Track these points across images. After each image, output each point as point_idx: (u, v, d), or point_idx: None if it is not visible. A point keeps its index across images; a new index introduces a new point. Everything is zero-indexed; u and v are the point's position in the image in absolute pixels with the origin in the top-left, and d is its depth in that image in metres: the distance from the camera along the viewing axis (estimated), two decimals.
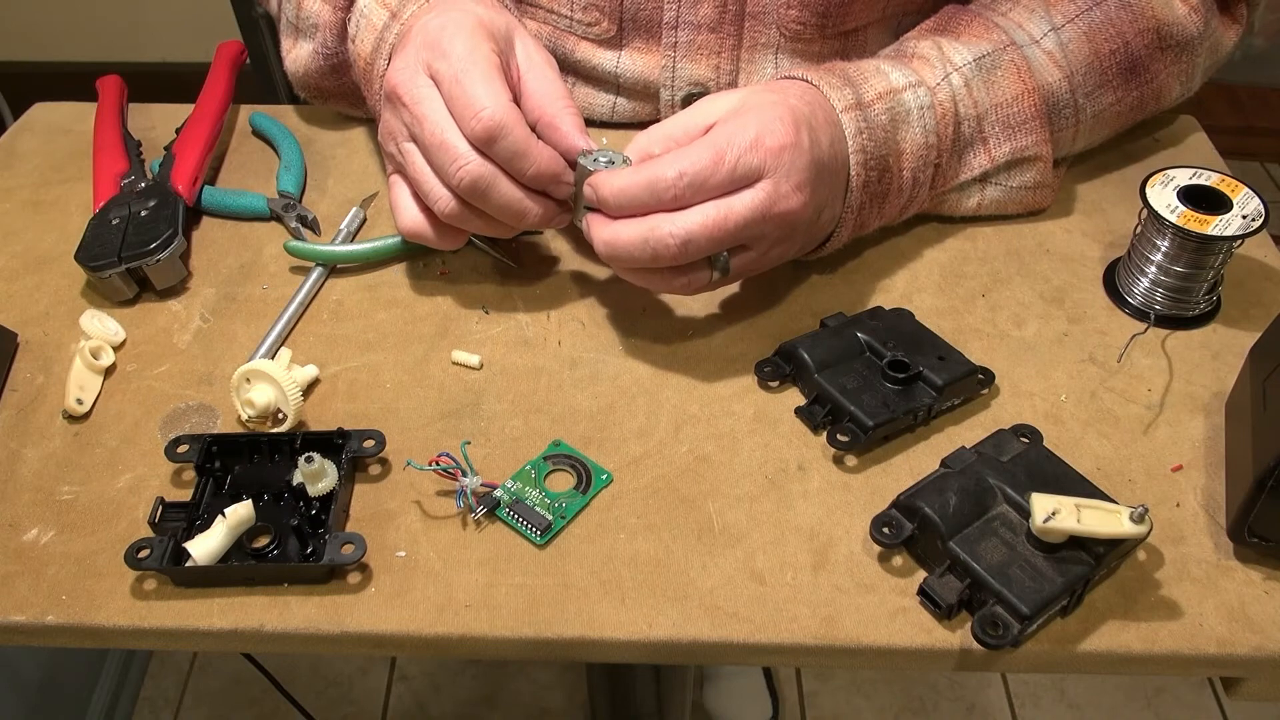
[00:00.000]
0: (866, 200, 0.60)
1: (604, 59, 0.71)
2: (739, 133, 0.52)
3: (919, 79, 0.60)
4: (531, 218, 0.57)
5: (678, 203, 0.52)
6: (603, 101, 0.74)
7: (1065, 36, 0.64)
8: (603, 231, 0.54)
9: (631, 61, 0.71)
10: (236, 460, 0.53)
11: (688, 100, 0.71)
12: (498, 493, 0.51)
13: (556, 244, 0.67)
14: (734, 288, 0.62)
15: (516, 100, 0.57)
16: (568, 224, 0.59)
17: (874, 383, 0.54)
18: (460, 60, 0.55)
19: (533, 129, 0.57)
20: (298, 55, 0.73)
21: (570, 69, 0.73)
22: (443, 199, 0.56)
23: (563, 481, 0.52)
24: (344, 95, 0.73)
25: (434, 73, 0.56)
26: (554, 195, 0.57)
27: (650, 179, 0.52)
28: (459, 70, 0.54)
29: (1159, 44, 0.65)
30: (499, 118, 0.53)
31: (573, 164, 0.57)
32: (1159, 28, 0.65)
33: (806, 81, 0.59)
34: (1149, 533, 0.45)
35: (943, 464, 0.50)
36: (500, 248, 0.65)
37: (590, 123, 0.75)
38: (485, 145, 0.54)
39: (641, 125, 0.74)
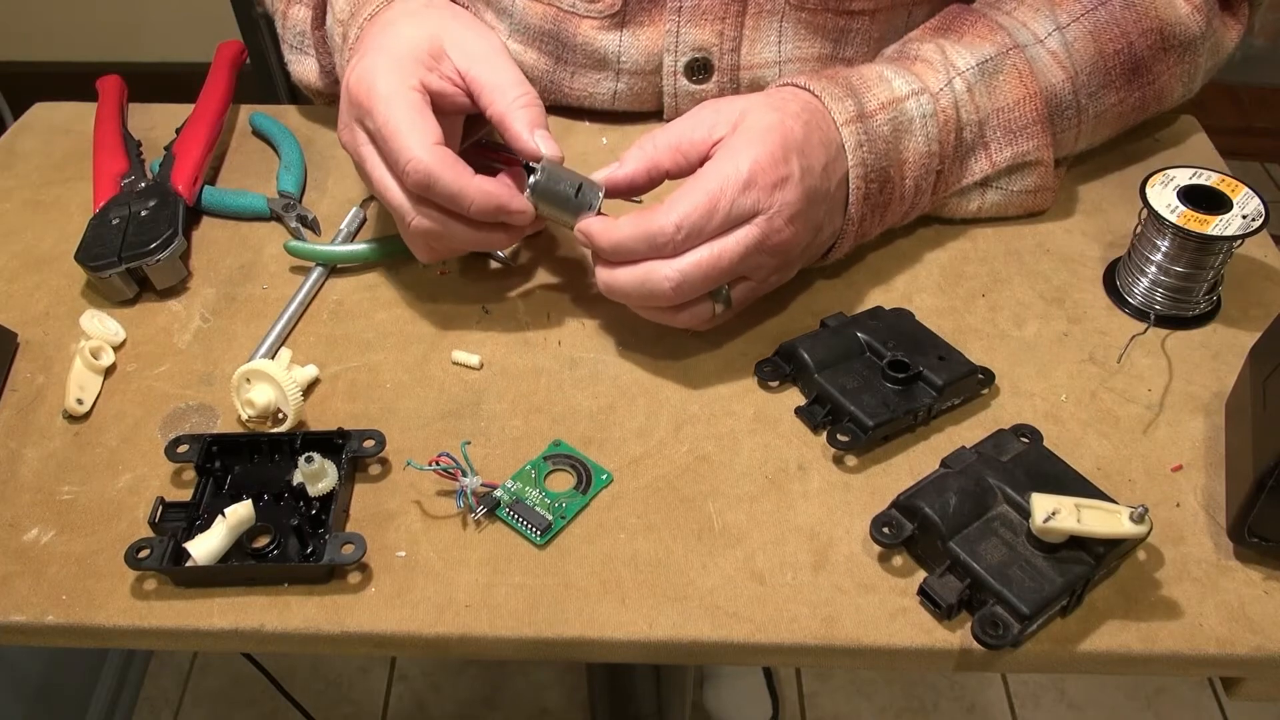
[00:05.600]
0: (868, 211, 0.60)
1: (607, 41, 0.71)
2: (733, 172, 0.52)
3: (922, 85, 0.60)
4: (499, 245, 0.59)
5: (675, 251, 0.53)
6: (604, 90, 0.73)
7: (1070, 36, 0.64)
8: (601, 274, 0.56)
9: (634, 37, 0.70)
10: (236, 460, 0.53)
11: (690, 67, 0.70)
12: (498, 493, 0.51)
13: (556, 244, 0.67)
14: None
15: (472, 99, 0.57)
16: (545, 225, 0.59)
17: (874, 383, 0.54)
18: (381, 114, 0.54)
19: (498, 123, 0.56)
20: (305, 69, 0.74)
21: (571, 52, 0.72)
22: (412, 244, 0.59)
23: (563, 481, 0.52)
24: None
25: (366, 130, 0.56)
26: (513, 223, 0.56)
27: (649, 233, 0.52)
28: (381, 124, 0.54)
29: (1162, 44, 0.65)
30: (423, 168, 0.53)
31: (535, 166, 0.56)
32: (1162, 28, 0.65)
33: (808, 91, 0.59)
34: (1149, 533, 0.45)
35: (943, 464, 0.50)
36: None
37: (591, 112, 0.75)
38: (423, 194, 0.54)
39: (642, 114, 0.74)
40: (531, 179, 0.55)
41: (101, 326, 0.59)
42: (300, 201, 0.70)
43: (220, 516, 0.48)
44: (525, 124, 0.56)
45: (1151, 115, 0.70)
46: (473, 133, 0.64)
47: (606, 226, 0.54)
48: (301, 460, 0.49)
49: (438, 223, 0.56)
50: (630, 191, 0.57)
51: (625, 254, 0.54)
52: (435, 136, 0.54)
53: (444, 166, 0.53)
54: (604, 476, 0.52)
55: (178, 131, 0.71)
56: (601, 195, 0.56)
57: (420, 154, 0.53)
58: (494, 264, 0.65)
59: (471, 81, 0.57)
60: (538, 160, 0.56)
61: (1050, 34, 0.64)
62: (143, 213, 0.64)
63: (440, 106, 0.57)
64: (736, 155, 0.53)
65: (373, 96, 0.55)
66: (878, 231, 0.63)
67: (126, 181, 0.68)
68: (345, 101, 0.58)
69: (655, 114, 0.75)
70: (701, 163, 0.56)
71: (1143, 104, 0.67)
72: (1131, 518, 0.45)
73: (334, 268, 0.65)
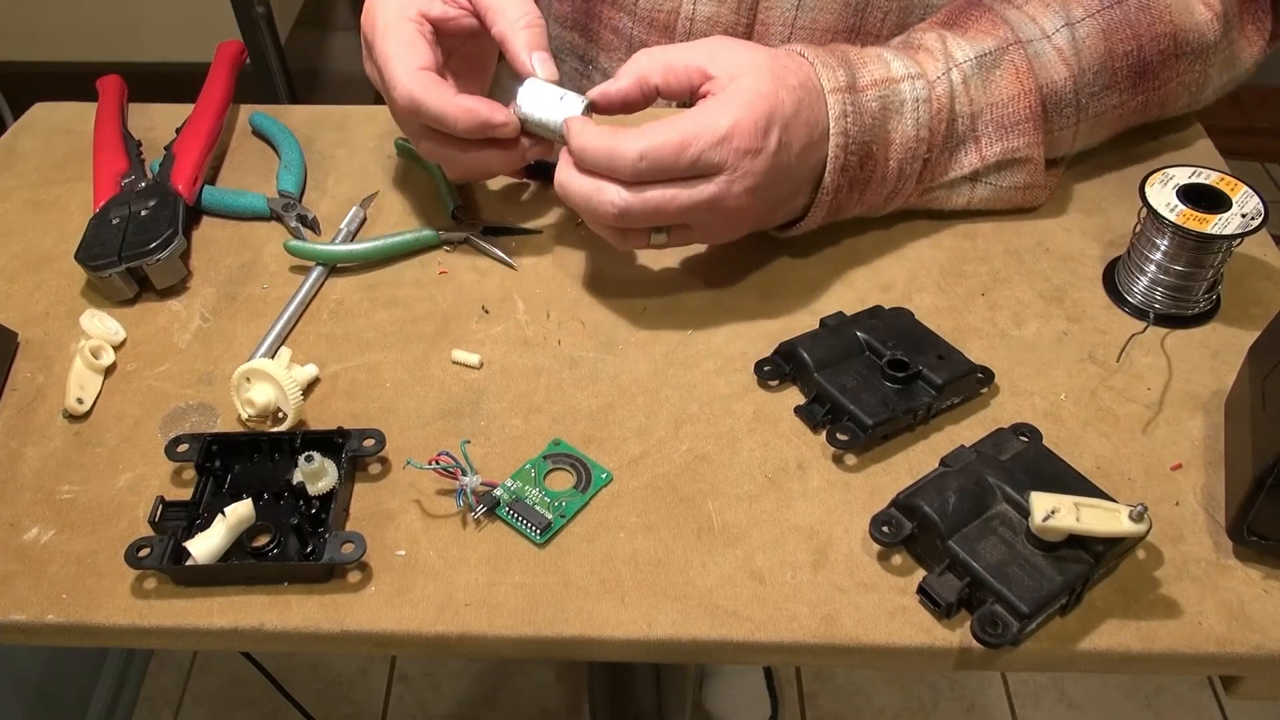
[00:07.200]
0: (844, 184, 0.60)
1: None
2: (711, 124, 0.53)
3: (920, 70, 0.60)
4: (498, 165, 0.61)
5: (635, 179, 0.54)
6: None
7: (1081, 32, 0.63)
8: (560, 173, 0.57)
9: None
10: (236, 459, 0.53)
11: None
12: (497, 492, 0.51)
13: (556, 243, 0.67)
14: (733, 287, 0.62)
15: (481, 19, 0.60)
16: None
17: (873, 382, 0.54)
18: (379, 47, 0.58)
19: (500, 43, 0.59)
20: None
21: None
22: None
23: (562, 480, 0.52)
24: None
25: (373, 60, 0.60)
26: (502, 137, 0.58)
27: (612, 151, 0.53)
28: (378, 57, 0.58)
29: (1174, 50, 0.64)
30: (406, 94, 0.56)
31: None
32: (1175, 33, 0.64)
33: (802, 58, 0.59)
34: (1148, 531, 0.45)
35: (942, 463, 0.50)
36: (501, 246, 0.65)
37: (619, 3, 0.74)
38: (415, 119, 0.57)
39: (664, 16, 0.73)
40: (518, 91, 0.58)
41: (101, 326, 0.60)
42: (300, 201, 0.70)
43: (220, 515, 0.48)
44: (524, 44, 0.58)
45: (1152, 120, 0.70)
46: None
47: (583, 127, 0.55)
48: (301, 459, 0.49)
49: (438, 147, 0.59)
50: (624, 107, 0.59)
51: (586, 161, 0.55)
52: (422, 62, 0.56)
53: (426, 90, 0.56)
54: (604, 475, 0.52)
55: (178, 131, 0.71)
56: (585, 103, 0.57)
57: (404, 80, 0.56)
58: (494, 263, 0.65)
59: (476, 2, 0.59)
60: (519, 94, 0.58)
61: (1059, 30, 0.63)
62: (143, 212, 0.64)
63: (448, 30, 0.60)
64: (720, 110, 0.54)
65: (374, 31, 0.58)
66: (855, 211, 0.63)
67: (126, 181, 0.68)
68: (362, 37, 0.60)
69: (665, 33, 0.74)
70: (690, 91, 0.57)
71: (1144, 108, 0.67)
72: (1131, 516, 0.45)
73: (334, 267, 0.65)
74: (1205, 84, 0.68)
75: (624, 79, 0.58)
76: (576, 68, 0.81)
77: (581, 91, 0.58)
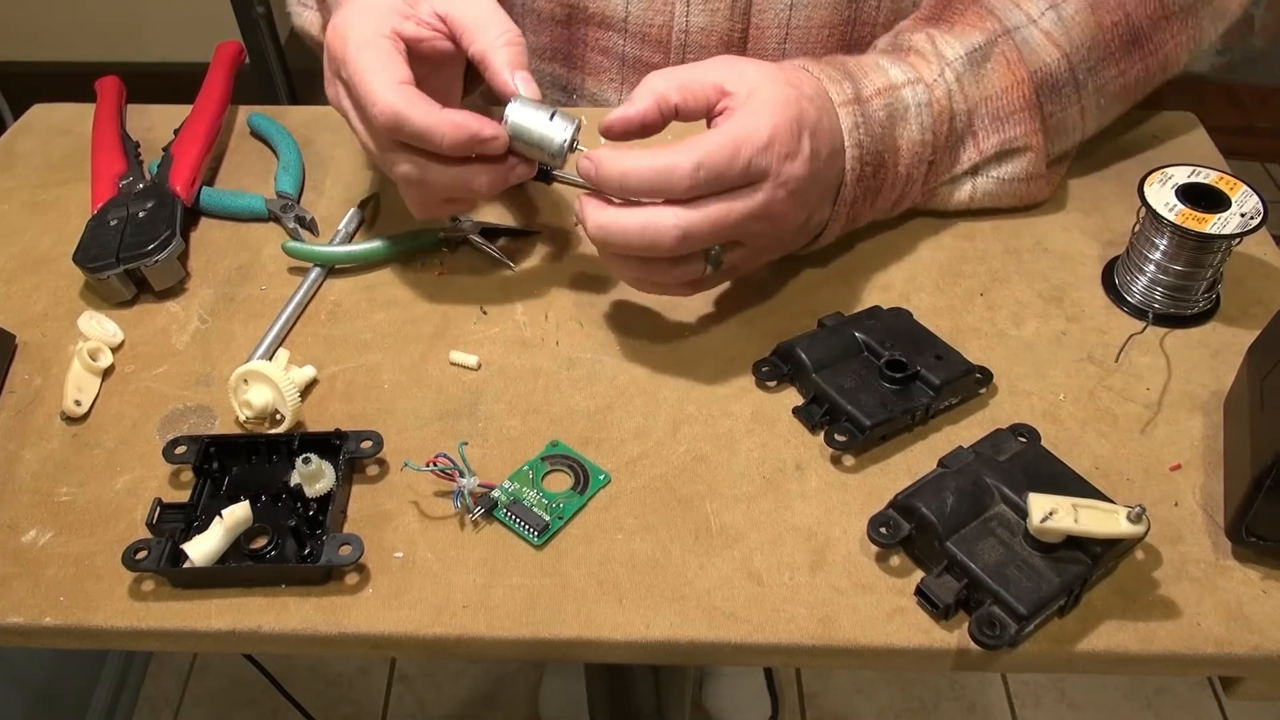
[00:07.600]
0: (859, 195, 0.60)
1: None
2: (755, 130, 0.51)
3: (917, 75, 0.60)
4: (482, 185, 0.56)
5: (691, 193, 0.51)
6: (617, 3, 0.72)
7: (1067, 11, 0.62)
8: (598, 215, 0.52)
9: None
10: (234, 461, 0.53)
11: None
12: (495, 493, 0.51)
13: (555, 244, 0.67)
14: (731, 288, 0.62)
15: (455, 40, 0.56)
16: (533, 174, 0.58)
17: (872, 382, 0.54)
18: (353, 64, 0.54)
19: (479, 63, 0.56)
20: (306, 22, 0.74)
21: None
22: (405, 199, 0.59)
23: (560, 482, 0.52)
24: None
25: (342, 81, 0.56)
26: (489, 153, 0.55)
27: (666, 166, 0.50)
28: (352, 74, 0.54)
29: (1162, 12, 0.64)
30: (389, 110, 0.52)
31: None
32: None
33: (807, 72, 0.58)
34: (1147, 532, 0.45)
35: (940, 464, 0.50)
36: (499, 246, 0.65)
37: (607, 23, 0.73)
38: (395, 137, 0.54)
39: (656, 30, 0.72)
40: (506, 108, 0.55)
41: (99, 328, 0.60)
42: (298, 202, 0.70)
43: (218, 518, 0.48)
44: (505, 63, 0.55)
45: (1158, 84, 0.68)
46: (474, 83, 0.63)
47: (613, 155, 0.51)
48: (299, 461, 0.49)
49: (417, 167, 0.55)
50: (643, 130, 0.55)
51: (632, 187, 0.51)
52: (401, 77, 0.53)
53: (410, 105, 0.52)
54: (601, 477, 0.52)
55: (176, 132, 0.71)
56: (578, 124, 0.55)
57: (385, 95, 0.52)
58: (492, 264, 0.65)
59: (452, 22, 0.56)
60: (509, 109, 0.55)
61: (1044, 13, 0.63)
62: (141, 214, 0.64)
63: (420, 52, 0.57)
64: (757, 117, 0.52)
65: (345, 47, 0.55)
66: (867, 219, 0.63)
67: (125, 182, 0.68)
68: (326, 56, 0.57)
69: (660, 48, 0.74)
70: (709, 108, 0.55)
71: (1146, 74, 0.66)
72: (1129, 517, 0.44)
73: (332, 268, 0.65)
74: (1201, 38, 0.67)
75: (641, 100, 0.54)
76: (559, 99, 0.80)
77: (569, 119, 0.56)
